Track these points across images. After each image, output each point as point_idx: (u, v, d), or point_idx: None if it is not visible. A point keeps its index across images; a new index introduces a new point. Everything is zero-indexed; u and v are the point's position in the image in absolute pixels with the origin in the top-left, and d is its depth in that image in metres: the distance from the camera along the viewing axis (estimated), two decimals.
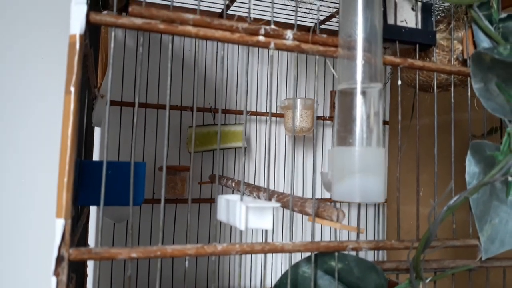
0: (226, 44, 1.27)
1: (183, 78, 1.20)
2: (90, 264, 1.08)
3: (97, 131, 1.13)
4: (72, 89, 0.39)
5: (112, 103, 1.10)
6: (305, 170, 1.32)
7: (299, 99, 1.20)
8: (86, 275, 1.03)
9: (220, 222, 1.22)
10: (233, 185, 0.91)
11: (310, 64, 1.35)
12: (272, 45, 0.46)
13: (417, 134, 0.54)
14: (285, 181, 1.30)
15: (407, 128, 1.18)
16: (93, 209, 1.08)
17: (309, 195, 1.29)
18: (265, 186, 1.17)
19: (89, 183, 0.54)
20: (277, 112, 1.30)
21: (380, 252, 1.28)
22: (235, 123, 1.23)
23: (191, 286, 1.18)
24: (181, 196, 1.11)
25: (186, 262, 0.43)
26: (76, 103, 0.39)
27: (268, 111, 1.30)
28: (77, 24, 0.39)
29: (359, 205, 0.51)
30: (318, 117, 1.33)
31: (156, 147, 1.16)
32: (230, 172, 1.25)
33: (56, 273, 0.38)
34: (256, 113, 1.28)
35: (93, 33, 0.66)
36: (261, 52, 1.31)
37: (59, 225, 0.38)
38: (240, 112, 1.25)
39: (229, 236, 1.24)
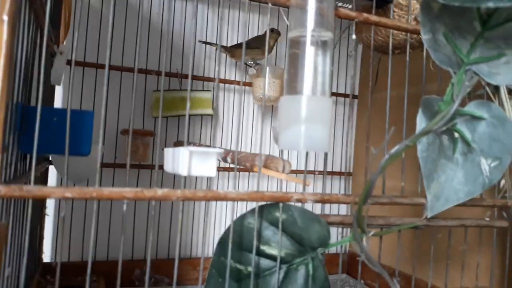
0: (196, 5, 1.24)
1: (149, 41, 1.17)
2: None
3: (59, 93, 1.10)
4: (5, 18, 0.37)
5: (75, 63, 1.07)
6: (272, 141, 1.32)
7: (268, 67, 1.19)
8: (42, 237, 1.02)
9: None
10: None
11: (283, 36, 1.34)
12: None
13: (369, 101, 0.54)
14: (252, 149, 1.29)
15: (375, 101, 1.18)
16: (52, 177, 1.06)
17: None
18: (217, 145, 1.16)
19: (33, 129, 0.52)
20: (246, 80, 1.29)
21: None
22: (203, 90, 1.21)
23: (129, 232, 1.17)
24: (143, 161, 1.10)
25: (124, 206, 0.42)
26: (10, 34, 0.37)
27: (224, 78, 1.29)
28: None
29: (324, 177, 0.51)
30: None
31: (119, 110, 1.13)
32: (196, 139, 1.24)
33: None
34: (225, 81, 1.27)
35: None
36: (232, 18, 1.28)
37: None
38: (209, 79, 1.24)
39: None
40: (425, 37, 0.43)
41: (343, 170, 1.40)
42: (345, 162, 1.39)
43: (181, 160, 0.44)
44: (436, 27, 0.42)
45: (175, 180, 1.19)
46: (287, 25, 0.47)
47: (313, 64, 0.45)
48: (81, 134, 0.54)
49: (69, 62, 1.06)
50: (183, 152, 0.44)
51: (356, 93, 1.42)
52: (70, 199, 0.39)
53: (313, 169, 1.36)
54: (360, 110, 1.42)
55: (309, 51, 0.45)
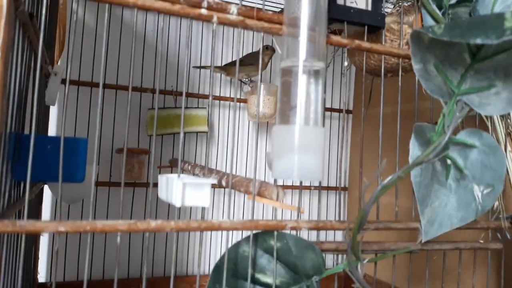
0: (190, 25, 1.25)
1: (144, 59, 1.18)
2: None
3: (54, 111, 1.10)
4: None
5: (70, 82, 1.07)
6: (267, 157, 1.32)
7: (262, 84, 1.19)
8: (37, 257, 1.01)
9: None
10: (189, 168, 0.90)
11: (277, 54, 1.34)
12: (215, 18, 0.45)
13: (362, 121, 0.54)
14: (248, 166, 1.29)
15: (369, 116, 1.19)
16: (47, 196, 1.05)
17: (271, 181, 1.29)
18: (218, 169, 1.16)
19: (27, 157, 0.52)
20: (241, 97, 1.29)
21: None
22: (198, 107, 1.21)
23: (125, 251, 1.16)
24: (138, 180, 1.10)
25: (118, 238, 0.42)
26: (3, 69, 0.37)
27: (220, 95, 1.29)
28: None
29: (319, 192, 0.51)
30: None
31: (114, 128, 1.13)
32: (191, 157, 1.24)
33: None
34: (220, 98, 1.27)
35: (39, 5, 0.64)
36: (226, 34, 1.29)
37: None
38: (203, 96, 1.24)
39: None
40: (416, 67, 0.43)
41: (338, 185, 1.40)
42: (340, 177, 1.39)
43: (174, 191, 0.44)
44: (427, 57, 0.42)
45: None
46: (280, 53, 0.47)
47: (306, 93, 0.45)
48: (75, 161, 0.54)
49: (63, 82, 1.06)
50: (176, 183, 0.44)
51: (351, 108, 1.43)
52: (63, 233, 0.39)
53: (308, 185, 1.36)
54: (355, 125, 1.43)
55: (302, 80, 0.45)
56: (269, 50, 1.19)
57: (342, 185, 1.41)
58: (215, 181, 0.43)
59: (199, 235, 1.22)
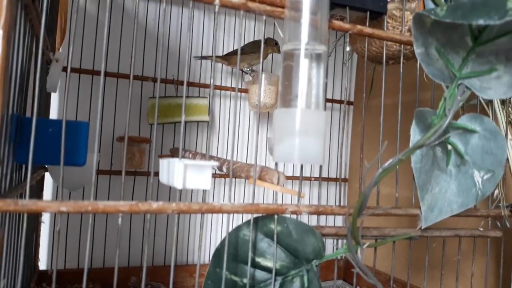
0: (192, 13, 1.25)
1: (145, 48, 1.17)
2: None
3: (55, 99, 1.10)
4: (0, 32, 0.37)
5: (71, 70, 1.07)
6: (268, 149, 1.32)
7: (263, 74, 1.19)
8: (38, 244, 1.01)
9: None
10: (190, 156, 0.90)
11: (280, 40, 1.34)
12: (217, 1, 0.45)
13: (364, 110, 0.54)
14: (248, 156, 1.30)
15: (370, 108, 1.19)
16: (48, 184, 1.06)
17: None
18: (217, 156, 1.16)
19: (28, 140, 0.52)
20: (242, 87, 1.29)
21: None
22: (199, 96, 1.21)
23: (125, 239, 1.16)
24: (138, 168, 1.10)
25: (120, 219, 0.42)
26: (5, 48, 0.38)
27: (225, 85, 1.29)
28: None
29: (319, 184, 0.51)
30: None
31: (115, 117, 1.13)
32: (192, 146, 1.24)
33: None
34: (221, 88, 1.27)
35: None
36: (228, 24, 1.29)
37: None
38: (205, 86, 1.24)
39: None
40: (417, 51, 0.43)
41: (339, 176, 1.40)
42: (340, 168, 1.40)
43: (176, 173, 0.44)
44: (429, 41, 0.42)
45: (171, 188, 1.19)
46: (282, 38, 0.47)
47: (307, 77, 0.45)
48: (77, 145, 0.54)
49: (65, 69, 1.06)
50: (178, 165, 0.44)
51: (352, 99, 1.43)
52: (65, 213, 0.39)
53: (309, 175, 1.36)
54: (356, 116, 1.43)
55: (303, 64, 0.45)
56: (272, 45, 1.18)
57: (343, 177, 1.42)
58: (216, 164, 0.43)
59: (200, 221, 1.22)
